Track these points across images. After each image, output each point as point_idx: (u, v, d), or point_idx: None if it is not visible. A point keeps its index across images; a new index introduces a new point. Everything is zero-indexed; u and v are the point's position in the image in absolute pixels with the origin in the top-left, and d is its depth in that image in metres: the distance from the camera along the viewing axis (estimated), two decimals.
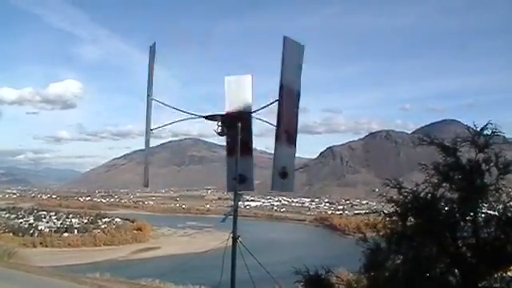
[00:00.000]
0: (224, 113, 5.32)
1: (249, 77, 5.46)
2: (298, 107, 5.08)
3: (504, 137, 4.98)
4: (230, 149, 5.29)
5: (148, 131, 5.34)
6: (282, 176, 4.99)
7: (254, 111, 5.34)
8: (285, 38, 4.81)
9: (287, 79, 4.85)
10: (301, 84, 5.05)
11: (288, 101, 4.88)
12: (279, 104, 4.84)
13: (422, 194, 5.03)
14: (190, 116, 5.36)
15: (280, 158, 4.97)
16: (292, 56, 4.90)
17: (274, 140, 4.96)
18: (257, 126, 5.32)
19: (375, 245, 5.26)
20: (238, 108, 5.24)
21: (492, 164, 4.79)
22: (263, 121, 5.27)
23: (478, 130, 4.88)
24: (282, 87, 4.82)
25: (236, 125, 5.14)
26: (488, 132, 4.87)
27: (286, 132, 4.95)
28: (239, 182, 5.22)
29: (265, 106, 5.17)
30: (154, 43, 5.42)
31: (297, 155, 5.45)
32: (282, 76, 4.84)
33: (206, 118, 5.26)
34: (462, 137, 4.97)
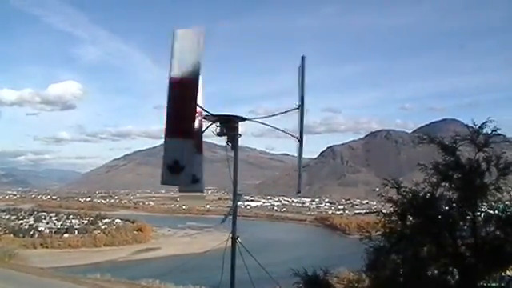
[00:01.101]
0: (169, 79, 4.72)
1: (201, 31, 4.75)
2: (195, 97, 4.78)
3: (504, 136, 4.99)
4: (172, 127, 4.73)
5: (299, 139, 5.42)
6: (172, 170, 4.72)
7: (264, 117, 5.36)
8: (303, 58, 4.98)
9: (175, 71, 4.61)
10: (199, 72, 4.72)
11: (181, 90, 4.64)
12: (301, 112, 4.97)
13: (421, 194, 5.04)
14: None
15: (171, 151, 4.71)
16: (303, 70, 5.04)
17: (274, 141, 4.97)
18: (256, 127, 5.30)
19: (377, 244, 5.27)
20: (186, 71, 4.62)
21: (493, 164, 4.80)
22: (263, 123, 5.28)
23: (477, 128, 4.89)
24: (302, 98, 4.99)
25: (235, 125, 5.15)
26: (487, 131, 4.88)
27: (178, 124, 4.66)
28: (175, 171, 4.72)
29: (283, 112, 5.23)
30: (303, 57, 5.28)
31: (297, 155, 5.44)
32: (300, 91, 4.99)
33: (205, 118, 5.26)
34: (462, 135, 4.98)
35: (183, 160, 4.66)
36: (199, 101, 4.98)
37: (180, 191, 5.32)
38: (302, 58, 5.02)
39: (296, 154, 5.78)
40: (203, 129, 5.21)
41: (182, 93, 4.62)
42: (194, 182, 5.13)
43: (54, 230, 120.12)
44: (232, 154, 5.32)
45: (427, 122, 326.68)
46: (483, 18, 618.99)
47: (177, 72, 4.58)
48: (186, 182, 4.92)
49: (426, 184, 5.05)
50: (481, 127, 4.84)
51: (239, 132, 5.27)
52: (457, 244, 4.90)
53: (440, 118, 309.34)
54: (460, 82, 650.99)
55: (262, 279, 5.80)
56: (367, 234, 5.36)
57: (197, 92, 4.68)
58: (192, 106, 4.66)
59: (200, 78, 4.83)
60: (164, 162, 4.73)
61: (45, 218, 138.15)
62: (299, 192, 6.05)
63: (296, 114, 5.25)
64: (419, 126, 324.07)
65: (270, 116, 5.37)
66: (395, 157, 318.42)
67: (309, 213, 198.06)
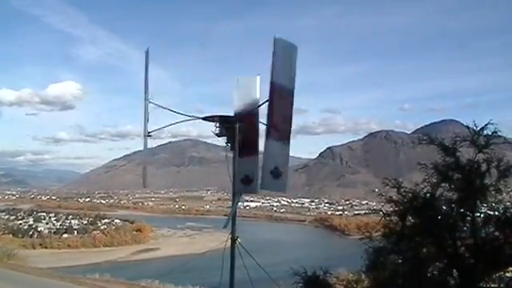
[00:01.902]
0: (232, 113, 5.39)
1: (257, 78, 5.53)
2: (291, 105, 5.04)
3: (504, 138, 4.98)
4: (241, 149, 5.34)
5: (145, 134, 5.36)
6: (275, 175, 4.97)
7: (254, 108, 5.37)
8: (275, 39, 4.89)
9: (278, 78, 4.85)
10: (295, 83, 5.05)
11: (279, 99, 4.87)
12: (269, 102, 4.86)
13: (421, 194, 5.03)
14: (188, 118, 5.36)
15: (272, 157, 4.95)
16: (283, 56, 4.93)
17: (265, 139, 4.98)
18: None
19: (377, 245, 5.26)
20: (246, 107, 5.32)
21: (493, 165, 4.79)
22: (262, 122, 5.28)
23: (478, 129, 4.88)
24: (272, 86, 4.86)
25: (234, 126, 5.15)
26: (488, 132, 4.87)
27: (278, 130, 4.93)
28: (245, 182, 5.24)
29: (258, 106, 5.20)
30: (148, 48, 5.47)
31: (296, 156, 5.43)
32: (271, 75, 4.87)
33: (205, 119, 5.26)
34: (462, 136, 4.97)
35: (253, 175, 5.36)
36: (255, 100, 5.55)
37: (236, 192, 5.65)
38: (275, 40, 4.96)
39: (297, 155, 5.79)
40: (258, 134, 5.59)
41: (245, 124, 5.34)
42: (247, 183, 5.56)
43: (53, 231, 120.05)
44: (231, 154, 5.32)
45: (427, 123, 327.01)
46: (483, 19, 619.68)
47: (278, 79, 5.00)
48: (255, 191, 5.55)
49: (425, 184, 5.04)
50: (482, 129, 4.83)
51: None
52: (456, 245, 4.90)
53: (439, 119, 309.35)
54: (459, 83, 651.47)
55: (262, 279, 5.80)
56: (367, 234, 5.35)
57: (257, 123, 5.41)
58: (254, 134, 5.38)
59: (258, 78, 5.56)
60: (237, 176, 5.37)
61: (44, 219, 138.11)
62: (145, 187, 6.55)
63: (297, 114, 5.27)
64: (418, 126, 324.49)
65: (259, 106, 5.40)
66: (394, 157, 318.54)
67: (308, 213, 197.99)
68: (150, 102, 5.35)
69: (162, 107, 5.45)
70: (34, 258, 66.59)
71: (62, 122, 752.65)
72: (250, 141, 5.21)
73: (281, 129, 5.02)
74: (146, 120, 5.38)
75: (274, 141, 4.94)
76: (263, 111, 5.20)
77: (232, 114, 5.32)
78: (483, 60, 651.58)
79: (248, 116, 5.24)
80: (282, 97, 4.99)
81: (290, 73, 5.08)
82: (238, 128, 5.23)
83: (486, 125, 4.84)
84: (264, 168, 4.99)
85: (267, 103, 4.98)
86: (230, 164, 5.35)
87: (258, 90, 5.40)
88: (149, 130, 5.42)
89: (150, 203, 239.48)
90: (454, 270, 4.87)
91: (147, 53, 5.43)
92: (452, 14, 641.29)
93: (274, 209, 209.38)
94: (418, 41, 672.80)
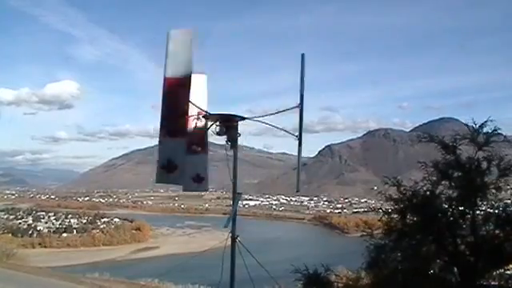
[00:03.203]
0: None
1: (194, 31, 4.88)
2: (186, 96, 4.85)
3: (505, 136, 4.99)
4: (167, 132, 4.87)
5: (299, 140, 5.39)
6: (168, 171, 4.90)
7: (266, 115, 5.36)
8: (303, 56, 4.96)
9: (169, 71, 4.71)
10: (191, 68, 4.78)
11: (171, 92, 4.74)
12: (300, 110, 4.97)
13: (421, 192, 5.04)
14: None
15: (163, 153, 4.90)
16: (177, 46, 4.77)
17: (272, 140, 5.01)
18: (255, 126, 5.29)
19: (378, 242, 5.26)
20: (179, 71, 4.74)
21: (494, 163, 4.79)
22: (263, 122, 5.27)
23: (478, 127, 4.88)
24: (301, 97, 4.96)
25: (234, 125, 5.14)
26: (488, 130, 4.87)
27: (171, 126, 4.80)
28: (196, 181, 5.15)
29: (284, 110, 5.23)
30: (303, 54, 5.30)
31: (295, 154, 5.43)
32: (301, 87, 4.97)
33: (205, 117, 5.25)
34: (461, 134, 4.97)
35: (177, 159, 4.80)
36: (203, 100, 5.17)
37: (184, 190, 5.39)
38: (302, 55, 5.02)
39: (295, 153, 5.78)
40: (207, 128, 5.24)
41: (175, 93, 4.70)
42: (198, 181, 5.25)
43: (52, 230, 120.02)
44: (231, 153, 5.31)
45: (425, 121, 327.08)
46: (482, 17, 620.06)
47: (170, 72, 4.66)
48: (180, 181, 5.07)
49: (425, 182, 5.04)
50: (481, 126, 4.84)
51: (238, 131, 5.26)
52: (457, 242, 4.90)
53: (438, 117, 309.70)
54: (458, 81, 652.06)
55: (262, 278, 5.80)
56: (369, 231, 5.35)
57: (189, 91, 4.71)
58: (185, 106, 4.74)
59: (205, 77, 5.23)
60: (158, 162, 4.85)
61: (43, 218, 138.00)
62: (298, 191, 6.14)
63: (294, 113, 5.25)
64: (417, 124, 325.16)
65: (269, 114, 5.36)
66: (393, 155, 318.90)
67: (307, 212, 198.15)
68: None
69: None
70: (34, 257, 66.63)
71: (61, 122, 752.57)
72: (179, 115, 4.84)
73: (175, 123, 4.77)
74: (301, 125, 5.31)
75: (167, 137, 4.83)
76: (267, 111, 5.21)
77: (232, 113, 5.30)
78: (482, 58, 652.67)
79: (179, 80, 4.74)
80: (173, 89, 4.69)
81: (184, 59, 4.73)
82: (237, 127, 5.22)
83: (486, 122, 4.84)
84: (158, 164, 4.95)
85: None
86: (231, 163, 5.33)
87: (194, 48, 4.77)
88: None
89: (149, 202, 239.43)
90: (455, 268, 4.88)
91: (303, 56, 5.29)
92: (451, 13, 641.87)
93: (273, 207, 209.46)
94: (417, 39, 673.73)
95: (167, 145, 4.82)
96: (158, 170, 4.89)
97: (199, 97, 5.09)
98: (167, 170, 4.82)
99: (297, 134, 5.14)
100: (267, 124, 5.31)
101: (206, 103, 5.19)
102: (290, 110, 5.14)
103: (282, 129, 5.30)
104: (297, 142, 5.15)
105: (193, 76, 4.79)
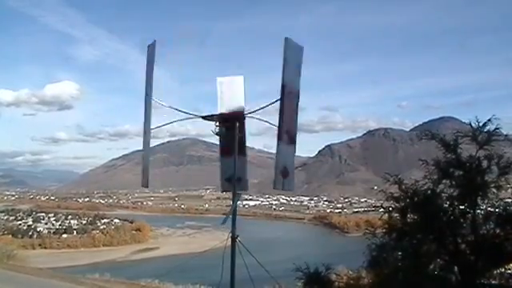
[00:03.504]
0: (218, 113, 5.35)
1: (241, 78, 5.49)
2: (297, 107, 5.10)
3: (506, 135, 4.98)
4: (224, 149, 5.34)
5: (147, 131, 5.33)
6: (283, 175, 4.98)
7: (254, 111, 5.34)
8: (286, 39, 4.85)
9: (288, 79, 4.87)
10: (300, 84, 5.09)
11: (289, 100, 4.90)
12: (281, 103, 4.85)
13: (421, 191, 5.03)
14: (187, 116, 5.35)
15: (282, 157, 4.97)
16: (292, 57, 4.92)
17: (272, 139, 4.97)
18: (254, 126, 5.32)
19: (380, 241, 5.26)
20: (231, 109, 5.25)
21: (494, 162, 4.78)
22: (264, 121, 5.26)
23: (479, 126, 4.87)
24: (283, 87, 4.84)
25: (234, 125, 5.14)
26: (489, 129, 4.86)
27: (287, 131, 4.95)
28: (230, 182, 5.25)
29: (266, 106, 5.17)
30: (154, 41, 5.40)
31: (295, 154, 5.43)
32: (283, 76, 4.85)
33: (204, 118, 5.25)
34: (463, 133, 4.96)
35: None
36: (241, 100, 5.43)
37: (223, 190, 5.56)
38: (286, 40, 4.95)
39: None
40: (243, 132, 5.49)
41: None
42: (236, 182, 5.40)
43: (52, 231, 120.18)
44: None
45: (425, 120, 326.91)
46: (481, 17, 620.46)
47: (288, 80, 4.93)
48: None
49: (426, 181, 5.04)
50: (484, 125, 4.83)
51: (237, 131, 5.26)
52: (457, 241, 4.89)
53: (438, 116, 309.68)
54: (458, 81, 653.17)
55: (262, 278, 5.79)
56: (371, 230, 5.35)
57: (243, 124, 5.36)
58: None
59: (242, 78, 5.53)
60: (277, 168, 5.00)
61: (43, 219, 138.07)
62: (146, 186, 6.13)
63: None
64: (417, 124, 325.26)
65: (255, 111, 5.38)
66: (393, 155, 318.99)
67: (307, 211, 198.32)
68: (151, 99, 5.33)
69: (162, 105, 5.42)
70: (34, 258, 66.60)
71: (61, 122, 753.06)
72: (239, 142, 5.23)
73: (291, 131, 5.03)
74: (149, 117, 5.35)
75: (284, 142, 4.95)
76: (267, 110, 5.21)
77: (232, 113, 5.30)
78: (482, 57, 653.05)
79: (235, 116, 5.19)
80: (290, 98, 5.00)
81: (297, 74, 5.09)
82: (237, 127, 5.22)
83: (489, 120, 4.83)
84: (276, 168, 5.02)
85: (272, 104, 5.00)
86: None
87: (243, 91, 5.37)
88: (151, 127, 5.40)
89: (149, 203, 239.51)
90: (455, 267, 4.88)
91: (151, 47, 5.34)
92: (450, 12, 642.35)
93: (274, 207, 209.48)
94: (417, 38, 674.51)
95: (284, 153, 5.07)
96: (223, 181, 5.42)
97: (238, 97, 5.34)
98: (284, 175, 5.03)
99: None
100: (266, 122, 5.29)
101: (243, 102, 5.39)
102: (273, 103, 5.10)
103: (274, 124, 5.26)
104: (297, 142, 5.13)
105: (232, 78, 5.40)
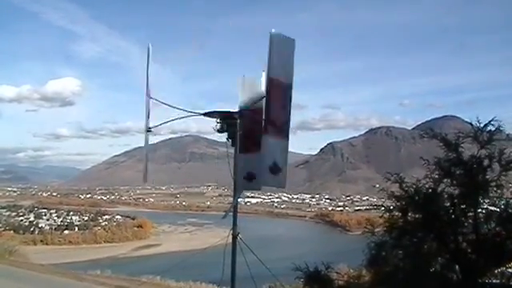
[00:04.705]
0: (237, 109, 5.33)
1: (263, 74, 5.35)
2: (289, 100, 5.01)
3: (508, 134, 4.97)
4: (243, 146, 5.26)
5: (146, 129, 5.34)
6: (273, 171, 4.91)
7: (247, 108, 5.33)
8: (271, 34, 4.83)
9: (275, 72, 4.82)
10: (293, 77, 4.99)
11: (276, 93, 4.83)
12: (266, 98, 4.83)
13: (422, 189, 5.02)
14: (188, 114, 5.35)
15: (269, 153, 4.89)
16: (280, 50, 4.86)
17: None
18: None
19: (380, 240, 5.25)
20: (251, 103, 5.27)
21: (495, 160, 4.77)
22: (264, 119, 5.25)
23: (481, 125, 4.86)
24: (271, 80, 4.81)
25: (235, 122, 5.14)
26: (491, 128, 4.85)
27: (275, 125, 4.88)
28: (248, 179, 5.19)
29: (254, 102, 5.16)
30: (149, 45, 5.43)
31: (297, 152, 5.38)
32: (268, 70, 4.83)
33: (205, 115, 5.25)
34: (465, 132, 4.95)
35: (281, 161, 4.99)
36: (290, 66, 5.15)
37: (240, 189, 5.45)
38: (270, 35, 4.89)
39: (296, 150, 5.77)
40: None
41: (251, 120, 5.15)
42: (249, 179, 5.39)
43: (54, 227, 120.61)
44: (232, 150, 5.30)
45: (427, 119, 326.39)
46: (483, 15, 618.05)
47: (275, 74, 4.86)
48: (283, 183, 5.15)
49: (427, 180, 5.03)
50: (486, 125, 4.81)
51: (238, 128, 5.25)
52: (458, 240, 4.89)
53: (440, 115, 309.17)
54: (460, 79, 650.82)
55: (263, 275, 5.80)
56: (370, 228, 5.34)
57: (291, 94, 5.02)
58: (259, 131, 4.98)
59: (294, 41, 5.15)
60: (264, 163, 4.90)
61: (45, 215, 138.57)
62: (145, 181, 5.95)
63: (295, 110, 5.21)
64: (419, 122, 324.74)
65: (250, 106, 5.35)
66: (395, 153, 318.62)
67: (309, 209, 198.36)
68: (151, 98, 5.34)
69: (163, 103, 5.43)
70: (36, 254, 66.63)
71: (62, 119, 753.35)
72: (254, 137, 5.09)
73: (279, 124, 4.94)
74: (147, 116, 5.36)
75: (271, 136, 4.87)
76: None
77: (233, 110, 5.29)
78: (483, 57, 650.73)
79: (252, 112, 5.14)
80: (279, 91, 4.91)
81: (287, 67, 5.00)
82: (238, 124, 5.21)
83: (491, 121, 4.82)
84: (262, 164, 4.93)
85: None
86: (231, 160, 5.33)
87: (264, 87, 5.19)
88: (150, 126, 5.40)
89: (151, 199, 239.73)
90: (456, 266, 4.87)
91: (149, 49, 5.40)
92: (452, 10, 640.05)
93: (275, 205, 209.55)
94: (419, 36, 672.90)
95: (247, 160, 5.12)
96: (264, 172, 4.98)
97: (287, 62, 5.08)
98: (274, 171, 4.91)
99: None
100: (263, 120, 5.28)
101: (292, 69, 5.16)
102: (261, 99, 5.06)
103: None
104: (299, 140, 5.11)
105: (282, 39, 5.02)
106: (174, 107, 5.41)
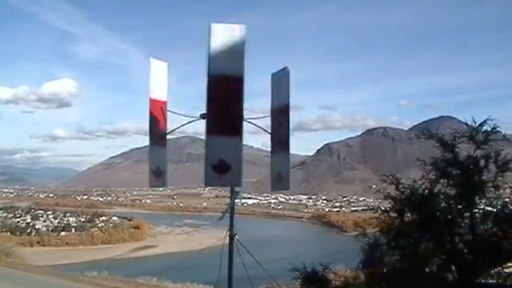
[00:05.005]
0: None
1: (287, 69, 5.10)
2: (242, 92, 4.72)
3: (504, 135, 4.98)
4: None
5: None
6: (278, 179, 4.96)
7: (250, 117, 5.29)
8: (210, 27, 4.64)
9: (216, 68, 4.65)
10: (243, 69, 4.69)
11: (220, 90, 4.60)
12: (207, 94, 4.63)
13: (419, 190, 5.03)
14: (191, 119, 5.28)
15: (275, 165, 4.94)
16: (222, 42, 4.63)
17: (269, 138, 4.95)
18: (252, 124, 5.20)
19: (374, 241, 5.26)
20: (227, 68, 4.66)
21: (491, 161, 4.78)
22: (256, 126, 5.24)
23: (477, 125, 4.87)
24: (209, 77, 4.67)
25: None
26: (487, 128, 4.86)
27: (279, 142, 4.88)
28: (219, 169, 4.74)
29: (258, 118, 5.13)
30: (166, 62, 5.26)
31: (294, 152, 5.41)
32: (208, 67, 4.68)
33: (201, 116, 5.22)
34: (461, 132, 4.96)
35: (229, 158, 4.59)
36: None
37: (272, 190, 5.24)
38: (209, 28, 4.66)
39: (294, 152, 5.76)
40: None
41: (227, 90, 4.58)
42: (278, 180, 5.10)
43: (50, 228, 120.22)
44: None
45: (424, 119, 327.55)
46: (481, 16, 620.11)
47: (217, 69, 4.54)
48: (232, 182, 4.86)
49: (423, 181, 5.03)
50: (481, 125, 4.82)
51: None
52: (455, 241, 4.90)
53: (437, 116, 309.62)
54: (457, 80, 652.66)
55: (260, 276, 5.80)
56: (361, 230, 5.36)
57: (242, 88, 4.61)
58: (239, 103, 4.63)
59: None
60: (207, 161, 4.65)
61: (42, 216, 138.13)
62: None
63: (294, 111, 5.16)
64: (415, 123, 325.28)
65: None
66: (392, 154, 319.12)
67: (306, 210, 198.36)
68: (168, 111, 5.24)
69: (181, 115, 5.35)
70: (32, 255, 66.44)
71: (59, 120, 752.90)
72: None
73: (224, 121, 4.63)
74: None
75: (215, 134, 4.71)
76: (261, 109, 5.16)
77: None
78: (481, 57, 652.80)
79: (226, 80, 4.67)
80: (223, 86, 4.58)
81: (233, 58, 4.59)
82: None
83: (485, 121, 4.83)
84: (271, 174, 4.95)
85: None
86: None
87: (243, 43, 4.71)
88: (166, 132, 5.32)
89: (148, 200, 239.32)
90: (453, 266, 4.88)
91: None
92: (450, 11, 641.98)
93: (272, 206, 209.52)
94: (416, 37, 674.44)
95: (218, 143, 4.61)
96: (208, 170, 4.67)
97: (233, 52, 4.70)
98: (219, 170, 4.59)
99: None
100: (259, 127, 5.24)
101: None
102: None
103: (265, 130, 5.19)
104: (296, 140, 5.10)
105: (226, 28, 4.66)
106: (174, 112, 5.39)
